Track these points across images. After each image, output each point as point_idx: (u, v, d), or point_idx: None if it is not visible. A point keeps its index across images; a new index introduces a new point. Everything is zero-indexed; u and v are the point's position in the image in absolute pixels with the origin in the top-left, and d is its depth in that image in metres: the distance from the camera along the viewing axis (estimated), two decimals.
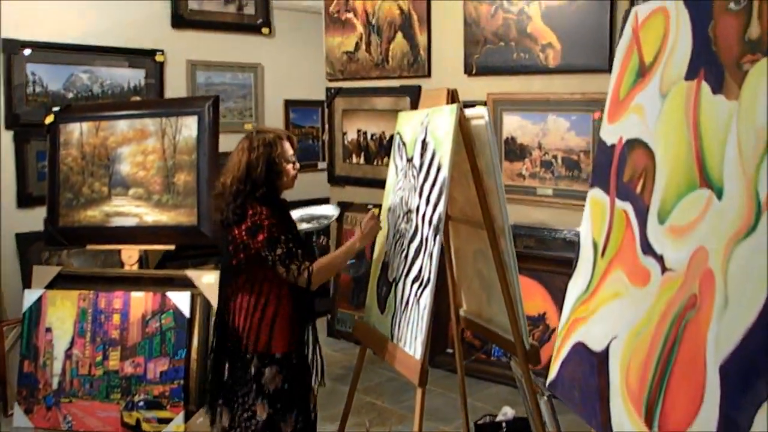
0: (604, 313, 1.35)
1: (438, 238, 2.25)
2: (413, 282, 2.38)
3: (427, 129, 2.46)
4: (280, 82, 5.15)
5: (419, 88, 4.18)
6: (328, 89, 4.73)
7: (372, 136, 4.53)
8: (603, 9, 3.32)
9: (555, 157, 3.62)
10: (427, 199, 2.37)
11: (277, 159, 2.39)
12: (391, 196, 2.74)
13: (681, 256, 1.15)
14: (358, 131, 4.60)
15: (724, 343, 0.99)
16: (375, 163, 4.51)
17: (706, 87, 1.15)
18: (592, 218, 1.51)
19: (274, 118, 5.11)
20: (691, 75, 1.21)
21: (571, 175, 3.56)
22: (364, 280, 4.53)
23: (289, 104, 5.17)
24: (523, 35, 3.65)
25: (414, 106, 4.16)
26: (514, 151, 3.74)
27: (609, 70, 3.29)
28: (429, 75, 4.16)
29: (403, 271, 2.47)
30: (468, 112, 2.36)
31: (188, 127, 3.54)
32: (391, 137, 4.35)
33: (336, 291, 4.71)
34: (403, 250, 2.51)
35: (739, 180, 1.02)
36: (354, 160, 4.64)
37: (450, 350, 3.88)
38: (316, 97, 5.11)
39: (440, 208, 2.27)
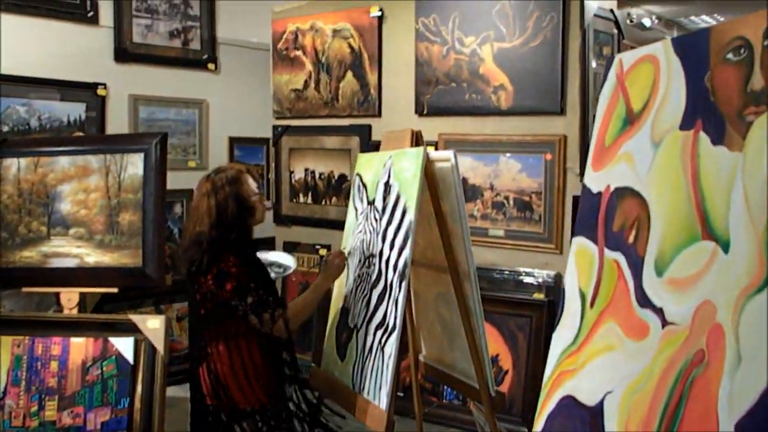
0: (596, 367, 1.30)
1: (404, 284, 2.21)
2: (377, 329, 2.33)
3: (390, 171, 2.43)
4: (226, 118, 5.04)
5: (369, 127, 4.17)
6: (275, 127, 4.66)
7: (320, 175, 4.46)
8: (555, 52, 3.36)
9: (507, 198, 3.62)
10: (392, 243, 2.33)
11: (245, 195, 2.33)
12: (350, 240, 2.69)
13: (684, 310, 1.12)
14: (306, 170, 4.53)
15: (739, 400, 0.95)
16: (323, 202, 4.43)
17: (705, 138, 1.13)
18: (578, 268, 1.47)
19: (218, 156, 4.98)
20: (687, 125, 1.19)
21: (522, 216, 3.56)
22: (312, 322, 4.49)
23: (234, 141, 5.05)
24: (475, 76, 3.66)
25: (364, 145, 4.16)
26: (466, 192, 3.73)
27: (561, 113, 3.39)
28: (379, 114, 4.14)
29: (365, 317, 2.41)
30: (433, 154, 2.34)
31: (134, 165, 3.38)
32: (341, 177, 4.35)
33: None
34: (365, 295, 2.45)
35: (747, 233, 0.99)
36: (301, 199, 4.56)
37: (400, 393, 3.80)
38: (262, 134, 5.02)
39: (406, 252, 2.23)
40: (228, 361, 2.26)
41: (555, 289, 3.42)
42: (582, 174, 3.35)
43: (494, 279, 3.62)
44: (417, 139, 2.41)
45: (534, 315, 3.44)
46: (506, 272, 3.62)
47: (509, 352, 3.50)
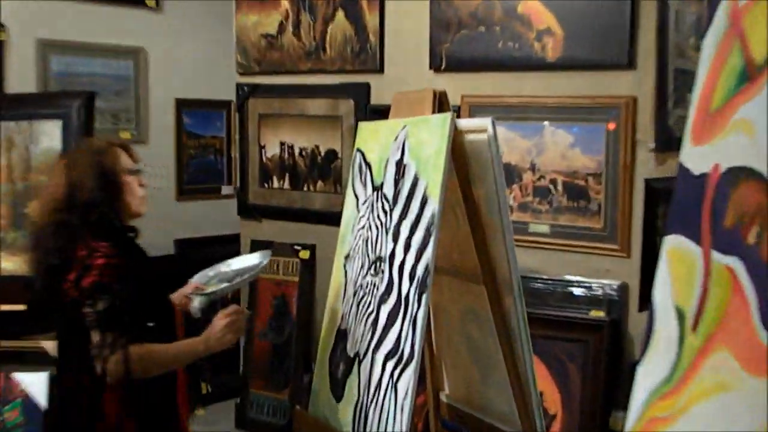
0: (703, 413, 1.28)
1: (425, 297, 2.22)
2: (387, 358, 2.33)
3: (405, 146, 2.43)
4: (172, 74, 5.02)
5: (367, 86, 4.16)
6: (239, 86, 4.64)
7: (301, 151, 4.45)
8: None
9: (554, 182, 3.61)
10: (407, 243, 2.33)
11: (111, 169, 2.39)
12: (349, 238, 2.69)
13: None
14: (282, 144, 4.52)
15: None
16: (305, 188, 4.42)
17: None
18: (674, 276, 1.45)
19: (162, 125, 4.97)
20: None
21: (575, 206, 3.55)
22: (290, 349, 4.48)
23: (183, 105, 5.04)
24: (511, 17, 3.65)
25: (360, 111, 4.16)
26: None
27: (629, 66, 3.37)
28: (381, 69, 4.13)
29: (371, 344, 2.41)
30: (464, 123, 2.35)
31: (48, 136, 3.42)
32: (329, 154, 4.33)
33: (247, 364, 4.57)
34: (370, 313, 2.46)
35: None
36: (275, 183, 4.54)
37: None
38: (222, 96, 5.00)
39: (427, 255, 2.23)
40: (78, 401, 2.33)
41: (620, 305, 3.41)
42: (657, 148, 3.36)
43: (536, 291, 3.61)
44: (441, 103, 2.41)
45: (591, 339, 3.43)
46: (552, 282, 3.61)
47: (557, 389, 3.50)
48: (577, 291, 3.53)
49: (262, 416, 4.51)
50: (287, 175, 4.52)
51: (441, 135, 2.24)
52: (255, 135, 4.62)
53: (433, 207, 2.22)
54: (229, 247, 4.82)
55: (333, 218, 4.22)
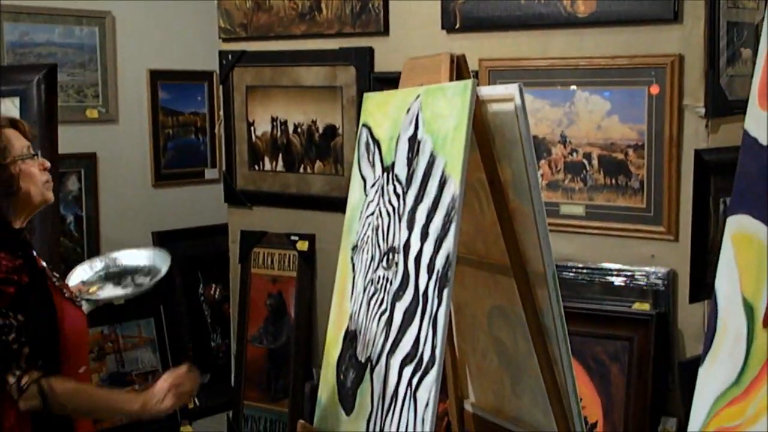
0: None
1: (446, 293, 2.21)
2: (404, 364, 2.33)
3: (419, 119, 2.42)
4: (144, 41, 5.00)
5: (370, 51, 4.15)
6: (222, 54, 4.64)
7: (296, 127, 4.45)
8: None
9: (588, 156, 3.60)
10: (424, 231, 2.33)
11: (1, 160, 2.37)
12: (356, 226, 2.70)
13: None
14: (274, 120, 4.51)
15: None
16: (301, 169, 4.43)
17: None
18: (740, 265, 1.45)
19: (133, 100, 4.96)
20: None
21: (613, 183, 3.55)
22: (288, 356, 4.49)
23: (158, 77, 5.03)
24: None
25: (363, 79, 4.15)
26: None
27: (674, 20, 3.35)
28: (386, 31, 4.13)
29: (384, 347, 2.41)
30: (486, 91, 2.34)
31: (5, 115, 3.38)
32: (328, 130, 4.33)
33: (239, 372, 4.57)
34: (383, 311, 2.46)
35: None
36: (267, 165, 4.55)
37: None
38: (203, 66, 4.99)
39: (447, 244, 2.23)
40: None
41: (667, 296, 3.41)
42: (708, 114, 3.35)
43: (570, 282, 3.61)
44: (460, 69, 2.40)
45: (635, 336, 3.43)
46: (588, 271, 3.61)
47: (597, 393, 3.50)
48: (618, 281, 3.53)
49: (254, 431, 4.51)
50: (280, 155, 4.51)
51: (461, 106, 2.23)
52: (242, 110, 4.60)
53: (453, 189, 2.22)
54: (217, 238, 4.84)
55: (334, 204, 4.24)
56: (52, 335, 2.37)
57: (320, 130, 4.37)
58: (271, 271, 4.48)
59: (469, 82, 2.24)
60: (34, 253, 2.50)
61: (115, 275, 3.24)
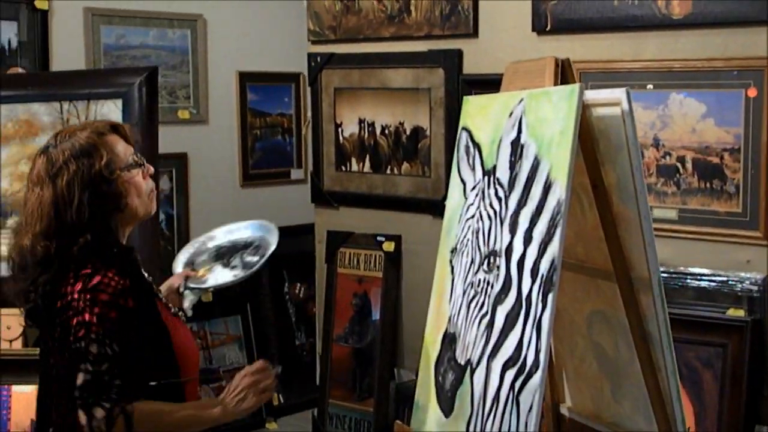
0: None
1: (551, 297, 2.21)
2: (506, 368, 2.33)
3: (522, 123, 2.41)
4: (234, 44, 5.07)
5: (459, 54, 4.15)
6: (311, 56, 4.66)
7: (383, 129, 4.46)
8: None
9: (682, 159, 3.57)
10: (527, 235, 2.32)
11: (105, 173, 2.23)
12: (455, 229, 2.70)
13: None
14: (361, 122, 4.53)
15: None
16: (389, 170, 4.44)
17: None
18: None
19: (223, 101, 5.03)
20: None
21: (708, 187, 3.50)
22: (374, 356, 4.51)
23: (247, 79, 5.08)
24: None
25: (451, 81, 4.15)
26: None
27: None
28: (475, 33, 4.12)
29: (485, 350, 2.41)
30: (592, 96, 2.31)
31: (106, 118, 3.44)
32: (416, 132, 4.34)
33: (326, 371, 4.60)
34: (484, 314, 2.46)
35: None
36: (354, 166, 4.57)
37: None
38: (292, 68, 5.03)
39: (553, 249, 2.22)
40: None
41: (763, 302, 3.36)
42: None
43: (663, 286, 3.58)
44: (564, 73, 2.39)
45: (729, 343, 3.39)
46: (682, 276, 3.57)
47: (690, 400, 3.46)
48: (712, 286, 3.49)
49: (342, 430, 4.54)
50: (367, 156, 4.53)
51: (567, 110, 2.22)
52: (330, 112, 4.62)
53: (558, 193, 2.21)
54: (302, 238, 4.87)
55: (420, 205, 4.26)
56: (167, 357, 2.31)
57: (407, 132, 4.37)
58: (356, 271, 4.49)
59: (576, 87, 2.22)
60: (144, 273, 2.41)
61: (226, 253, 3.10)
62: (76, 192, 2.18)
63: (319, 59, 4.62)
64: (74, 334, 2.13)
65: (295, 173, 5.34)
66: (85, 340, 2.11)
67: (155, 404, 2.23)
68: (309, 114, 4.74)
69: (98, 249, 2.21)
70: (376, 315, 4.43)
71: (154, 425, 2.19)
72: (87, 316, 2.12)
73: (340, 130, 4.61)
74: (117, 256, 2.25)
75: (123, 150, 2.31)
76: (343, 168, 4.61)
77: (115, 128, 2.34)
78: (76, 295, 2.14)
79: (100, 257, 2.20)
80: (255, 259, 3.00)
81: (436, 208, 4.09)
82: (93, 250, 2.19)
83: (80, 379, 2.10)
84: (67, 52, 4.59)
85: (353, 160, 4.58)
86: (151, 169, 2.38)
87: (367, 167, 4.53)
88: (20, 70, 4.26)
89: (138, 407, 2.14)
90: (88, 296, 2.13)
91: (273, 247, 3.06)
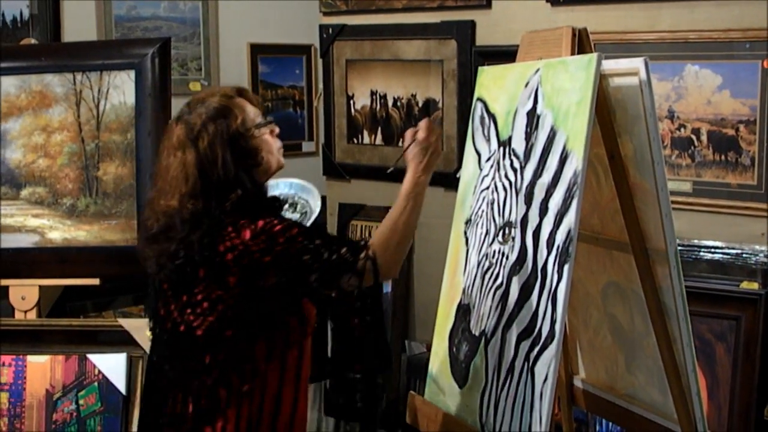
0: None
1: (567, 268, 2.21)
2: (521, 338, 2.34)
3: (538, 93, 2.41)
4: (245, 16, 5.05)
5: (472, 25, 4.13)
6: (323, 28, 4.66)
7: (395, 101, 4.46)
8: None
9: (697, 131, 3.56)
10: (543, 205, 2.32)
11: (242, 131, 2.35)
12: (470, 200, 2.70)
13: None
14: (373, 94, 4.53)
15: None
16: (400, 143, 4.41)
17: None
18: None
19: (234, 73, 5.00)
20: None
21: (723, 159, 3.50)
22: (386, 327, 4.50)
23: (259, 51, 5.07)
24: None
25: (464, 53, 4.14)
26: None
27: None
28: (488, 4, 4.11)
29: (500, 321, 2.42)
30: (609, 65, 2.30)
31: (119, 90, 3.50)
32: (428, 104, 4.33)
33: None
34: (499, 285, 2.47)
35: None
36: (366, 138, 4.57)
37: None
38: (303, 40, 5.02)
39: (569, 220, 2.22)
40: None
41: None
42: None
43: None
44: (582, 42, 2.39)
45: (743, 316, 3.39)
46: (696, 249, 3.58)
47: (702, 373, 3.46)
48: (726, 259, 3.50)
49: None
50: (379, 128, 4.53)
51: (585, 80, 2.21)
52: (342, 84, 4.62)
53: (575, 164, 2.20)
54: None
55: (433, 178, 4.16)
56: None
57: (420, 104, 4.37)
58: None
59: (594, 56, 2.21)
60: None
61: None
62: (219, 151, 2.28)
63: (330, 31, 4.61)
64: (277, 265, 2.24)
65: (307, 146, 5.32)
66: (294, 258, 2.23)
67: (378, 232, 2.34)
68: (320, 86, 4.74)
69: (250, 202, 2.32)
70: (387, 287, 4.43)
71: (394, 245, 2.31)
72: (276, 247, 2.23)
73: (351, 102, 4.61)
74: (266, 208, 2.37)
75: (252, 111, 2.41)
76: (355, 140, 4.61)
77: (240, 92, 2.45)
78: (250, 242, 2.23)
79: (253, 209, 2.30)
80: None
81: (448, 180, 4.08)
82: (245, 204, 2.30)
83: (312, 278, 2.24)
84: (78, 23, 4.58)
85: (365, 133, 4.58)
86: (277, 129, 2.47)
87: (378, 140, 4.54)
88: (33, 41, 4.26)
89: (372, 246, 2.27)
90: (263, 237, 2.23)
91: (316, 213, 3.17)
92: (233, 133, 2.31)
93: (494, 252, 2.49)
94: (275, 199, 2.47)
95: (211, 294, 2.27)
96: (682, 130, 3.59)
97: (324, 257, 2.22)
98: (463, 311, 2.61)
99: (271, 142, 2.41)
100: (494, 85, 2.66)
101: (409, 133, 2.46)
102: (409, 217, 2.33)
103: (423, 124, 2.45)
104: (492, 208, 2.54)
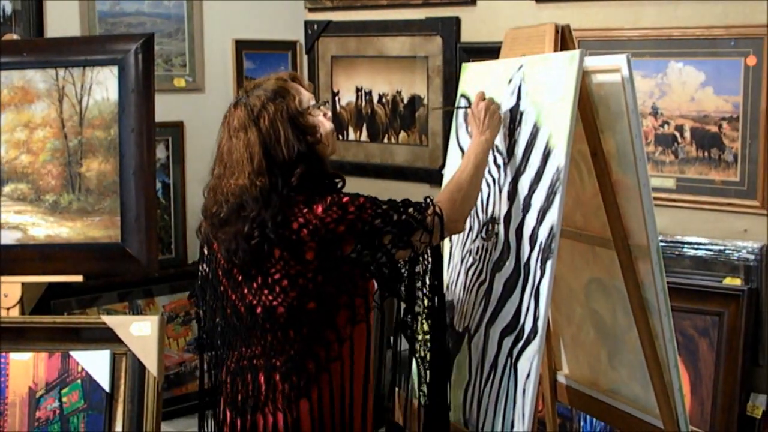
0: None
1: (549, 264, 2.21)
2: (504, 334, 2.34)
3: (521, 90, 2.41)
4: (229, 11, 5.02)
5: (457, 21, 4.14)
6: (308, 24, 4.67)
7: (381, 98, 4.47)
8: None
9: (680, 128, 3.57)
10: (526, 202, 2.33)
11: (300, 109, 2.37)
12: None
13: None
14: (359, 90, 4.54)
15: None
16: (385, 139, 4.44)
17: None
18: None
19: (219, 70, 4.98)
20: None
21: (706, 156, 3.51)
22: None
23: (244, 47, 5.04)
24: None
25: (449, 49, 4.15)
26: None
27: None
28: (473, 1, 4.11)
29: (483, 317, 2.43)
30: (592, 62, 2.30)
31: (102, 85, 3.44)
32: (413, 101, 4.33)
33: None
34: (482, 282, 2.47)
35: None
36: (351, 135, 4.58)
37: None
38: (288, 36, 5.00)
39: (552, 216, 2.23)
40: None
41: (759, 271, 3.37)
42: None
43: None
44: (564, 39, 2.39)
45: (726, 311, 3.41)
46: (679, 245, 3.58)
47: (685, 368, 3.48)
48: (709, 255, 3.50)
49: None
50: (365, 125, 4.53)
51: (567, 76, 2.22)
52: (327, 80, 4.64)
53: (558, 160, 2.21)
54: None
55: (418, 174, 4.26)
56: None
57: (405, 101, 4.37)
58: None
59: (576, 53, 2.22)
60: None
61: None
62: (281, 129, 2.30)
63: (315, 27, 4.63)
64: (352, 233, 2.27)
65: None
66: (367, 224, 2.28)
67: (443, 190, 2.43)
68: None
69: (314, 178, 2.35)
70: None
71: (460, 200, 2.36)
72: (349, 216, 2.27)
73: (337, 98, 4.61)
74: (330, 183, 2.42)
75: (306, 93, 2.43)
76: (340, 137, 4.59)
77: (293, 77, 2.48)
78: (323, 214, 2.25)
79: (317, 185, 2.34)
80: None
81: (433, 176, 4.09)
82: (309, 180, 2.32)
83: (387, 240, 2.29)
84: (62, 19, 4.54)
85: (350, 129, 4.58)
86: (329, 113, 2.50)
87: (364, 136, 4.53)
88: (15, 37, 4.23)
89: (438, 203, 2.33)
90: (335, 208, 2.26)
91: None
92: (292, 112, 2.33)
93: (477, 248, 2.50)
94: (337, 175, 2.49)
95: (290, 270, 2.27)
96: (666, 126, 3.60)
97: (394, 219, 2.28)
98: (447, 308, 2.60)
99: (326, 123, 2.44)
100: (478, 81, 2.65)
101: (477, 97, 2.52)
102: (472, 174, 2.38)
103: (479, 93, 2.52)
104: (476, 205, 2.53)
